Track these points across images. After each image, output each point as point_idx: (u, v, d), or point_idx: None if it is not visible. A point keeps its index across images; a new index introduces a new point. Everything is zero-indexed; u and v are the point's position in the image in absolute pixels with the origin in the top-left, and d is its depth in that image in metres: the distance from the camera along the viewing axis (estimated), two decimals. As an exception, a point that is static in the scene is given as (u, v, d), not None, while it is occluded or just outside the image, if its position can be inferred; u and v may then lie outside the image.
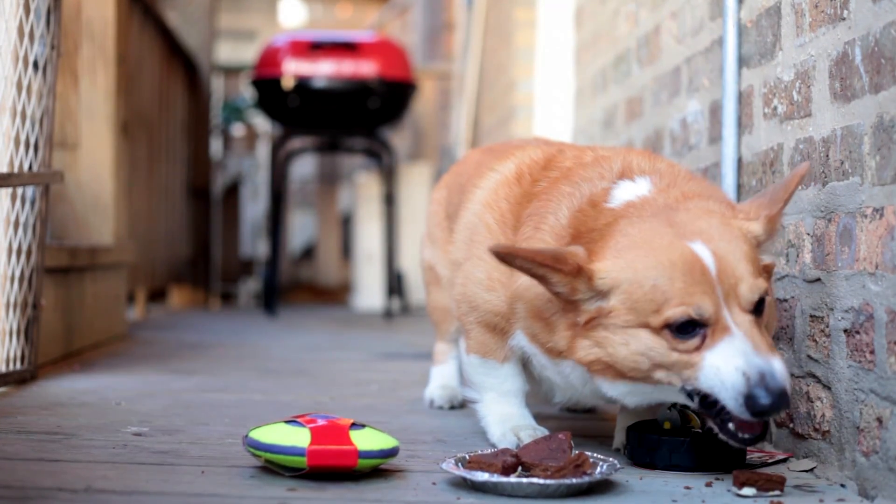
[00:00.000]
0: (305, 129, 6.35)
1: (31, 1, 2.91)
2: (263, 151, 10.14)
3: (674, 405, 2.02)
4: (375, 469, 1.89)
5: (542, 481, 1.74)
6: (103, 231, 4.35)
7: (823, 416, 1.97)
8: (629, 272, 1.78)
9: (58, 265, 3.43)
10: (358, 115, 6.14)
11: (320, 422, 1.86)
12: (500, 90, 5.94)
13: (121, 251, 4.46)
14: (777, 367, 1.71)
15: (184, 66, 7.12)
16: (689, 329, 1.75)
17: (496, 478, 1.75)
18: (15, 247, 2.90)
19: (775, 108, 2.24)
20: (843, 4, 1.92)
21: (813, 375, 2.02)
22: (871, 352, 1.78)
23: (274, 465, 1.85)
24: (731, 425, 1.77)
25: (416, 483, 1.83)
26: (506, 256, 1.81)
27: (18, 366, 2.91)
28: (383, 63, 6.07)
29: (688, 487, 1.85)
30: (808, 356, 2.04)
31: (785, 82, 2.19)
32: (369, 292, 7.20)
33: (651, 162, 2.04)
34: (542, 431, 2.11)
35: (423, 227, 2.84)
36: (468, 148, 6.56)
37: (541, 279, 1.83)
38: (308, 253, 11.88)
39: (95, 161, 4.30)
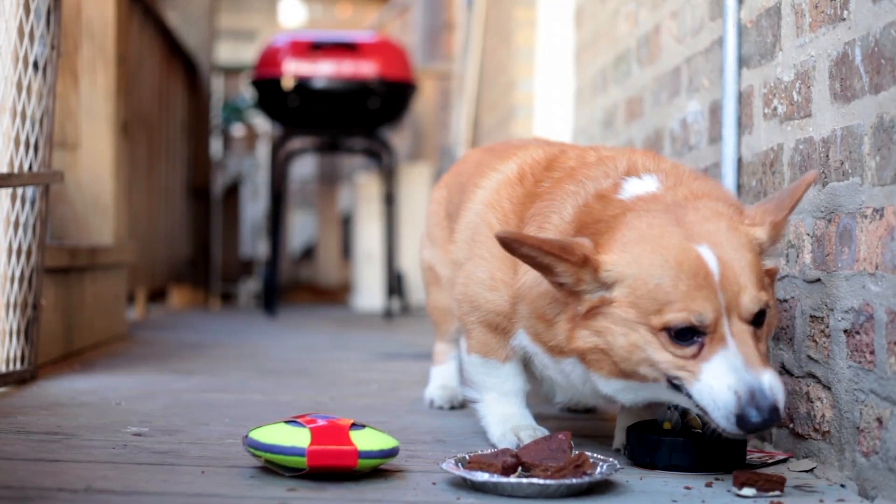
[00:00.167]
0: (305, 129, 6.35)
1: (31, 1, 2.91)
2: (263, 151, 10.14)
3: (675, 405, 2.02)
4: (375, 469, 1.89)
5: (542, 481, 1.74)
6: (103, 231, 4.35)
7: (823, 416, 1.97)
8: (635, 267, 1.78)
9: (58, 265, 3.43)
10: (358, 115, 6.14)
11: (320, 422, 1.86)
12: (500, 90, 5.94)
13: (121, 251, 4.46)
14: (767, 382, 1.71)
15: (184, 66, 7.12)
16: (688, 336, 1.75)
17: (496, 478, 1.75)
18: (15, 247, 2.90)
19: (775, 109, 2.24)
20: (843, 4, 1.92)
21: (813, 376, 2.02)
22: (871, 352, 1.78)
23: (274, 466, 1.85)
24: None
25: (416, 483, 1.83)
26: (512, 244, 1.80)
27: (18, 366, 2.91)
28: (383, 63, 6.07)
29: (688, 487, 1.85)
30: (808, 356, 2.05)
31: (785, 82, 2.19)
32: (369, 292, 7.20)
33: (656, 162, 2.04)
34: (542, 431, 2.11)
35: (423, 227, 2.84)
36: (468, 148, 6.56)
37: (545, 269, 1.83)
38: (308, 253, 11.88)
39: (95, 161, 4.30)
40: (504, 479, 1.75)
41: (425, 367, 3.11)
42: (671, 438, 1.98)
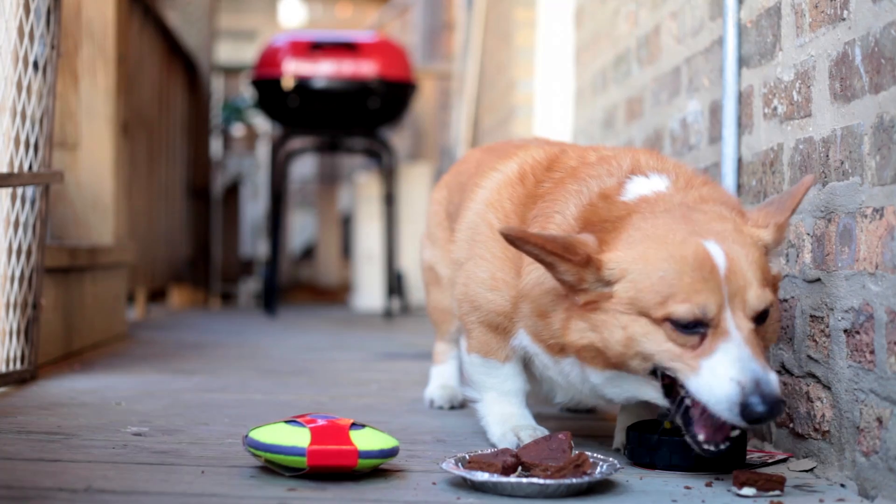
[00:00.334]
0: (305, 129, 6.35)
1: (31, 1, 2.91)
2: (263, 151, 10.14)
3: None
4: (375, 469, 1.89)
5: (542, 481, 1.74)
6: (103, 231, 4.35)
7: (823, 416, 1.97)
8: (639, 263, 1.77)
9: (58, 265, 3.43)
10: (358, 115, 6.14)
11: (320, 422, 1.86)
12: (500, 90, 5.94)
13: (121, 251, 4.46)
14: (772, 377, 1.71)
15: (184, 66, 7.12)
16: (692, 326, 1.75)
17: (496, 478, 1.75)
18: (15, 247, 2.90)
19: (775, 108, 2.24)
20: (843, 4, 1.92)
21: (813, 375, 2.02)
22: (871, 352, 1.78)
23: (274, 465, 1.85)
24: (699, 435, 1.78)
25: (416, 483, 1.83)
26: (515, 240, 1.80)
27: (18, 366, 2.91)
28: (383, 63, 6.07)
29: (688, 487, 1.85)
30: (808, 356, 2.05)
31: (785, 82, 2.19)
32: (369, 292, 7.20)
33: (660, 161, 2.03)
34: (542, 431, 2.11)
35: (423, 227, 2.84)
36: (468, 148, 6.57)
37: (548, 266, 1.83)
38: (308, 253, 11.88)
39: (95, 161, 4.30)
40: (504, 479, 1.75)
41: (425, 367, 3.11)
42: (671, 438, 1.98)
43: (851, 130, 1.88)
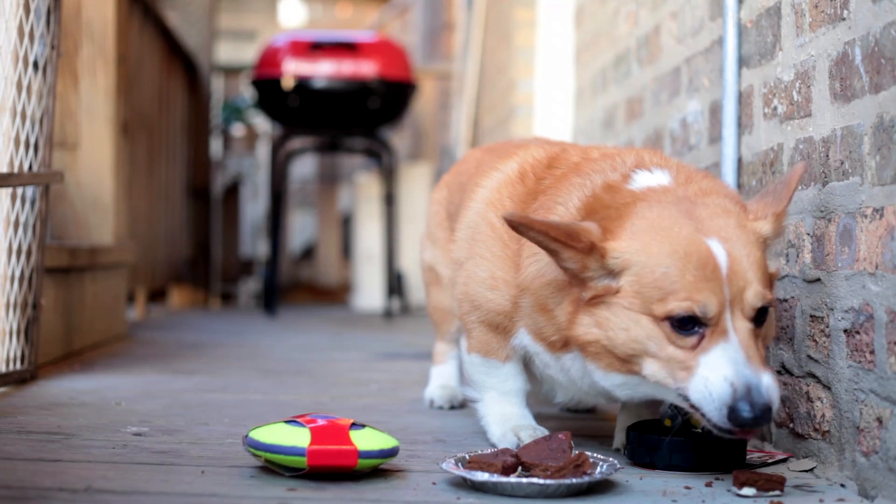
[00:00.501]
0: (305, 129, 6.36)
1: (31, 1, 2.91)
2: (263, 151, 10.15)
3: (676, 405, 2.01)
4: (375, 469, 1.89)
5: (542, 481, 1.74)
6: (103, 231, 4.35)
7: (823, 416, 1.97)
8: (643, 255, 1.77)
9: (58, 265, 3.43)
10: (358, 115, 6.14)
11: (320, 422, 1.86)
12: (500, 90, 5.94)
13: (121, 251, 4.46)
14: (766, 381, 1.70)
15: (184, 66, 7.12)
16: (690, 325, 1.74)
17: (496, 478, 1.75)
18: (15, 247, 2.90)
19: (775, 108, 2.24)
20: (843, 4, 1.92)
21: (813, 375, 2.02)
22: (871, 352, 1.78)
23: (274, 465, 1.85)
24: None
25: (416, 483, 1.83)
26: (518, 226, 1.80)
27: (18, 366, 2.91)
28: (383, 63, 6.07)
29: (688, 487, 1.85)
30: (808, 356, 2.05)
31: (785, 82, 2.19)
32: (369, 292, 7.20)
33: (663, 159, 2.04)
34: (542, 431, 2.11)
35: (423, 227, 2.84)
36: (468, 148, 6.57)
37: (552, 253, 1.83)
38: (308, 253, 11.88)
39: (95, 161, 4.30)
40: (504, 479, 1.75)
41: (425, 367, 3.11)
42: (671, 438, 1.98)
43: (851, 130, 1.88)
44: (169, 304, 6.86)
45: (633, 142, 3.49)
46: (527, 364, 2.18)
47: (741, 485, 1.79)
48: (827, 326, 1.97)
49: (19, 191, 2.93)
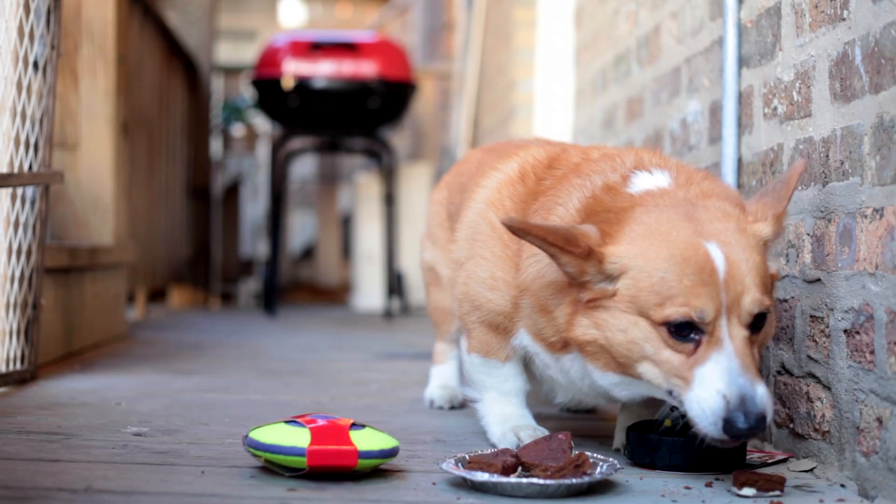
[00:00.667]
0: (305, 129, 6.36)
1: (31, 1, 2.91)
2: (263, 151, 10.15)
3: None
4: (375, 469, 1.89)
5: (542, 481, 1.74)
6: (103, 231, 4.35)
7: (823, 416, 1.97)
8: (640, 260, 1.77)
9: (58, 265, 3.43)
10: (358, 115, 6.14)
11: (320, 422, 1.86)
12: (500, 90, 5.94)
13: (121, 251, 4.46)
14: (760, 391, 1.70)
15: (184, 66, 7.12)
16: (687, 331, 1.75)
17: (496, 478, 1.75)
18: (15, 247, 2.90)
19: (775, 109, 2.24)
20: (843, 4, 1.92)
21: (813, 375, 2.02)
22: (871, 352, 1.78)
23: (274, 465, 1.85)
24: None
25: (416, 483, 1.83)
26: (517, 230, 1.80)
27: (18, 366, 2.91)
28: (383, 63, 6.07)
29: (688, 487, 1.85)
30: (808, 356, 2.05)
31: (785, 82, 2.19)
32: (369, 292, 7.20)
33: (662, 159, 2.03)
34: (542, 431, 2.11)
35: (423, 228, 2.84)
36: (468, 148, 6.57)
37: (551, 256, 1.83)
38: (308, 253, 11.88)
39: (95, 161, 4.30)
40: (504, 479, 1.75)
41: (425, 367, 3.11)
42: (671, 438, 1.98)
43: (851, 130, 1.88)
44: (169, 304, 6.86)
45: (633, 142, 3.49)
46: (527, 364, 2.18)
47: (741, 485, 1.79)
48: (827, 326, 1.97)
49: (19, 191, 2.93)
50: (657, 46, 3.22)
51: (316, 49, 6.07)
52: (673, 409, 2.02)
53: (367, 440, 1.84)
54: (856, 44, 1.86)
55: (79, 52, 4.20)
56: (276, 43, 6.23)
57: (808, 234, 2.06)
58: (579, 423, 2.56)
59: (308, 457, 1.79)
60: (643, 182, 1.93)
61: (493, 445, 2.14)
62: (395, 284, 6.51)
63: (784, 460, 2.07)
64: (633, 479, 1.91)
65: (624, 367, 1.82)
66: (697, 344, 1.75)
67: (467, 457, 1.85)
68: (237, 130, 11.03)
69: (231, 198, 9.58)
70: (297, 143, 7.02)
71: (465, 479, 1.80)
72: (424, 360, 3.45)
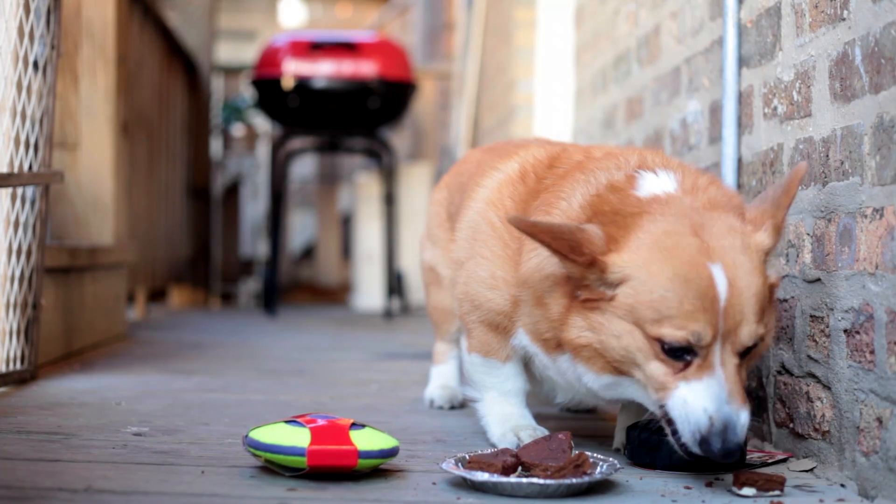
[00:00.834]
0: (305, 129, 6.35)
1: (31, 1, 2.91)
2: (263, 151, 10.15)
3: None
4: (375, 469, 1.89)
5: (542, 481, 1.74)
6: (103, 231, 4.35)
7: (823, 416, 1.97)
8: (643, 272, 1.76)
9: (58, 265, 3.43)
10: (358, 115, 6.14)
11: (320, 422, 1.86)
12: (500, 90, 5.95)
13: (121, 251, 4.46)
14: (742, 420, 1.73)
15: (184, 66, 7.12)
16: (680, 353, 1.75)
17: (496, 478, 1.75)
18: (15, 247, 2.90)
19: (775, 108, 2.24)
20: (843, 4, 1.92)
21: (813, 375, 2.02)
22: (871, 352, 1.78)
23: (274, 465, 1.85)
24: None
25: (416, 483, 1.83)
26: (524, 231, 1.79)
27: (18, 366, 2.91)
28: (383, 63, 6.07)
29: (688, 487, 1.85)
30: (808, 356, 2.05)
31: (785, 82, 2.19)
32: (369, 292, 7.20)
33: (665, 159, 2.02)
34: (542, 431, 2.11)
35: (423, 228, 2.84)
36: (468, 148, 6.57)
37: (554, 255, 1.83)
38: (308, 253, 11.89)
39: (95, 161, 4.30)
40: (504, 479, 1.75)
41: (425, 367, 3.11)
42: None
43: (851, 130, 1.88)
44: (169, 304, 6.86)
45: (633, 142, 3.49)
46: (527, 364, 2.18)
47: (741, 485, 1.79)
48: (827, 326, 1.97)
49: (19, 191, 2.93)
50: (657, 46, 3.22)
51: (316, 49, 6.06)
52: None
53: (367, 440, 1.84)
54: (856, 44, 1.86)
55: (79, 52, 4.20)
56: (276, 43, 6.23)
57: (808, 234, 2.06)
58: (579, 423, 2.56)
59: (308, 457, 1.79)
60: (650, 185, 1.90)
61: (493, 445, 2.14)
62: (395, 284, 6.51)
63: (784, 460, 2.07)
64: (633, 479, 1.91)
65: (617, 369, 1.83)
66: (688, 364, 1.75)
67: (467, 457, 1.85)
68: (237, 130, 11.04)
69: (231, 198, 9.59)
70: (297, 143, 7.02)
71: (465, 479, 1.80)
72: (424, 360, 3.45)
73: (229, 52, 12.05)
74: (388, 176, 6.42)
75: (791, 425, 2.12)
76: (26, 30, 2.90)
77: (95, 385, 2.96)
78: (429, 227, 2.73)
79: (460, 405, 2.70)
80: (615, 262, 1.78)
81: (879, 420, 1.75)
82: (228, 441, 2.16)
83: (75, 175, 4.21)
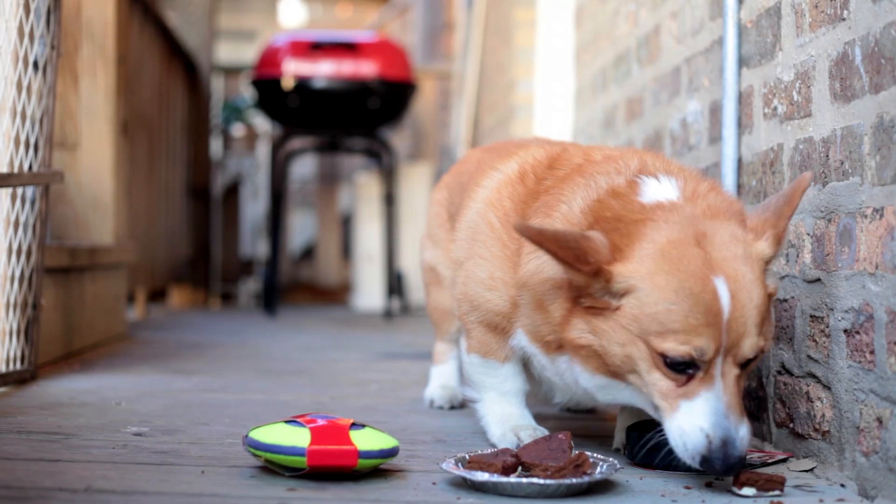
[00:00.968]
0: (305, 129, 6.36)
1: (31, 1, 2.91)
2: (263, 151, 10.15)
3: None
4: (375, 469, 1.89)
5: (542, 481, 1.74)
6: (103, 231, 4.35)
7: (823, 416, 1.97)
8: (649, 284, 1.75)
9: (58, 265, 3.43)
10: (358, 115, 6.14)
11: (320, 422, 1.86)
12: (500, 90, 5.95)
13: (121, 251, 4.46)
14: (742, 433, 1.74)
15: (184, 66, 7.12)
16: (683, 366, 1.75)
17: (496, 478, 1.75)
18: (15, 247, 2.90)
19: (775, 109, 2.24)
20: (843, 4, 1.92)
21: (813, 375, 2.02)
22: (871, 352, 1.78)
23: (274, 465, 1.85)
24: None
25: (416, 483, 1.83)
26: (530, 239, 1.78)
27: (18, 366, 2.91)
28: (383, 63, 6.07)
29: (688, 487, 1.85)
30: (808, 356, 2.05)
31: (785, 82, 2.19)
32: (369, 292, 7.20)
33: (665, 163, 2.02)
34: (542, 431, 2.11)
35: (423, 228, 2.84)
36: (468, 148, 6.57)
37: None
38: (308, 253, 11.89)
39: (95, 161, 4.30)
40: (504, 479, 1.75)
41: (425, 367, 3.11)
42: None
43: (851, 130, 1.88)
44: (169, 304, 6.86)
45: (633, 142, 3.49)
46: (526, 365, 2.18)
47: (741, 485, 1.79)
48: (827, 326, 1.97)
49: (19, 191, 2.93)
50: (657, 46, 3.22)
51: (316, 49, 6.07)
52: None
53: (367, 440, 1.84)
54: (856, 44, 1.86)
55: (79, 52, 4.20)
56: (276, 43, 6.23)
57: (808, 234, 2.06)
58: (579, 423, 2.56)
59: (308, 457, 1.79)
60: (652, 192, 1.89)
61: (493, 445, 2.14)
62: (395, 284, 6.51)
63: (784, 460, 2.07)
64: (633, 479, 1.91)
65: (614, 373, 1.83)
66: (690, 377, 1.75)
67: (467, 457, 1.85)
68: (237, 130, 11.04)
69: (231, 198, 9.59)
70: (297, 143, 7.02)
71: (465, 479, 1.80)
72: (424, 360, 3.45)
73: (229, 52, 12.05)
74: (388, 176, 6.42)
75: (791, 425, 2.12)
76: (26, 30, 2.90)
77: (95, 385, 2.96)
78: (429, 227, 2.73)
79: (460, 405, 2.70)
80: (620, 273, 1.77)
81: (879, 420, 1.75)
82: (228, 441, 2.16)
83: (75, 175, 4.21)
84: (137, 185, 5.49)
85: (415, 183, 7.28)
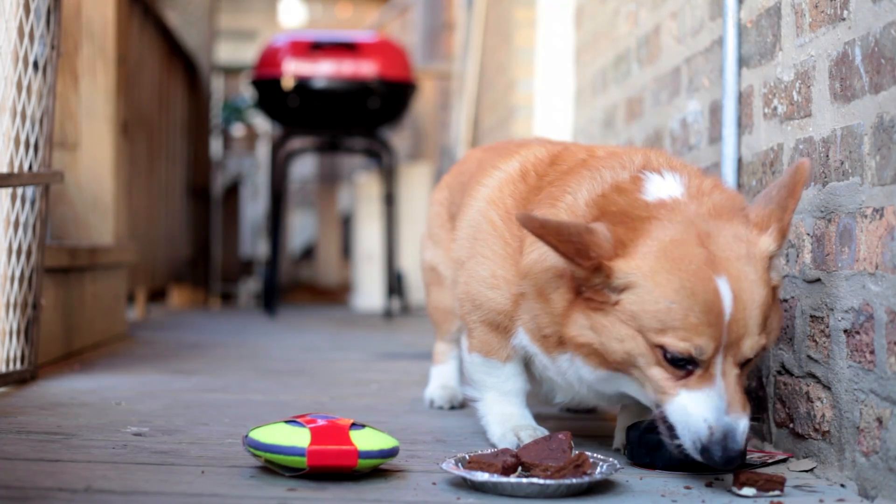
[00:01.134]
0: (305, 129, 6.36)
1: (31, 1, 2.91)
2: (263, 151, 10.15)
3: None
4: (375, 469, 1.89)
5: (542, 481, 1.74)
6: (103, 231, 4.35)
7: (823, 416, 1.97)
8: (650, 281, 1.75)
9: (58, 265, 3.43)
10: (358, 115, 6.14)
11: (320, 422, 1.86)
12: (500, 90, 5.95)
13: (121, 251, 4.46)
14: (742, 428, 1.74)
15: (184, 66, 7.12)
16: (682, 362, 1.75)
17: (496, 478, 1.75)
18: (15, 247, 2.90)
19: (775, 109, 2.24)
20: (843, 4, 1.92)
21: (813, 375, 2.02)
22: (871, 352, 1.78)
23: (274, 465, 1.85)
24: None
25: (416, 483, 1.83)
26: (532, 230, 1.78)
27: (18, 366, 2.91)
28: (383, 63, 6.07)
29: (688, 487, 1.85)
30: (808, 356, 2.05)
31: (785, 82, 2.19)
32: (369, 292, 7.20)
33: (668, 160, 2.02)
34: (542, 431, 2.11)
35: (423, 228, 2.84)
36: (468, 148, 6.57)
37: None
38: (308, 253, 11.89)
39: (95, 161, 4.30)
40: (504, 479, 1.75)
41: (425, 367, 3.11)
42: (671, 438, 1.97)
43: (851, 130, 1.88)
44: (169, 304, 6.86)
45: (633, 142, 3.49)
46: (527, 365, 2.18)
47: (741, 485, 1.79)
48: (827, 326, 1.97)
49: (19, 191, 2.93)
50: (657, 46, 3.22)
51: (316, 49, 6.07)
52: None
53: (367, 440, 1.84)
54: (856, 44, 1.86)
55: (79, 52, 4.20)
56: (276, 43, 6.23)
57: (808, 234, 2.06)
58: (579, 423, 2.56)
59: (308, 457, 1.79)
60: (656, 188, 1.89)
61: (493, 445, 2.14)
62: (395, 284, 6.51)
63: (784, 460, 2.07)
64: (633, 479, 1.91)
65: (616, 369, 1.83)
66: (690, 373, 1.76)
67: (467, 457, 1.85)
68: (237, 130, 11.04)
69: (231, 198, 9.59)
70: (297, 143, 7.02)
71: (465, 479, 1.80)
72: (424, 360, 3.45)
73: (229, 52, 12.05)
74: (388, 176, 6.42)
75: (791, 425, 2.12)
76: (26, 30, 2.90)
77: (95, 385, 2.96)
78: (430, 227, 2.73)
79: (460, 405, 2.70)
80: (621, 269, 1.77)
81: (879, 420, 1.75)
82: (228, 441, 2.16)
83: (75, 175, 4.21)
84: (137, 186, 5.49)
85: (415, 183, 7.28)
